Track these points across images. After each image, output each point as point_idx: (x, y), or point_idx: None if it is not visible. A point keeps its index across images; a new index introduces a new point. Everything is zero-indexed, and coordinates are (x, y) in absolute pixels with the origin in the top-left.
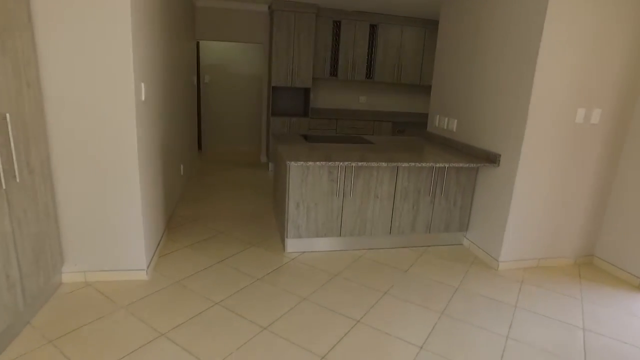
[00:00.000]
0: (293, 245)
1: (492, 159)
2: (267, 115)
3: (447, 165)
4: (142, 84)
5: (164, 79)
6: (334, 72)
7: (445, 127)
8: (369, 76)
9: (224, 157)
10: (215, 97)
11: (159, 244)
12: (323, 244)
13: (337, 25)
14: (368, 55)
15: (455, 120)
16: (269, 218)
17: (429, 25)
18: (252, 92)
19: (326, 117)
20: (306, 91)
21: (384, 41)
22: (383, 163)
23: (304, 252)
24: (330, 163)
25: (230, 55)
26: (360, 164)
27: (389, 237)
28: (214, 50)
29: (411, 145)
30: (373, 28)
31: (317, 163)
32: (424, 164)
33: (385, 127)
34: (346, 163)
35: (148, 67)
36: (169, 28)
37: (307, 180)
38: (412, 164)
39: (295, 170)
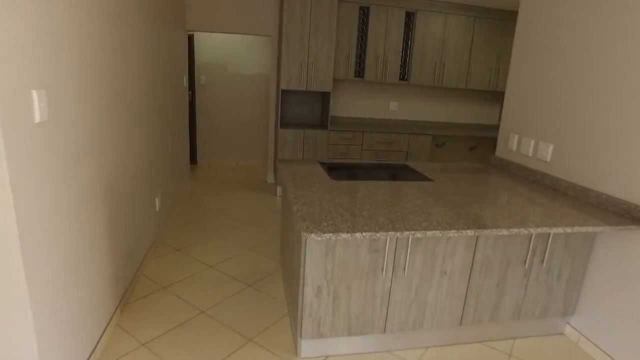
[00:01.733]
0: (311, 348)
1: (637, 216)
2: (276, 125)
3: (564, 231)
4: (35, 95)
5: (122, 84)
6: (359, 72)
7: (529, 154)
8: (404, 77)
9: (223, 175)
10: (213, 102)
11: (96, 345)
12: (357, 345)
13: (364, 12)
14: (403, 52)
15: (551, 146)
16: (276, 284)
17: (479, 13)
18: (257, 97)
19: (349, 128)
20: (324, 96)
21: (423, 33)
22: (466, 231)
23: (328, 357)
24: (376, 234)
25: (230, 50)
26: (428, 233)
27: (457, 330)
28: (211, 44)
29: (487, 185)
30: (409, 17)
31: (354, 235)
32: (530, 230)
33: (422, 142)
34: (405, 233)
35: (73, 63)
36: (138, 10)
37: (334, 252)
38: (512, 230)
39: (317, 241)
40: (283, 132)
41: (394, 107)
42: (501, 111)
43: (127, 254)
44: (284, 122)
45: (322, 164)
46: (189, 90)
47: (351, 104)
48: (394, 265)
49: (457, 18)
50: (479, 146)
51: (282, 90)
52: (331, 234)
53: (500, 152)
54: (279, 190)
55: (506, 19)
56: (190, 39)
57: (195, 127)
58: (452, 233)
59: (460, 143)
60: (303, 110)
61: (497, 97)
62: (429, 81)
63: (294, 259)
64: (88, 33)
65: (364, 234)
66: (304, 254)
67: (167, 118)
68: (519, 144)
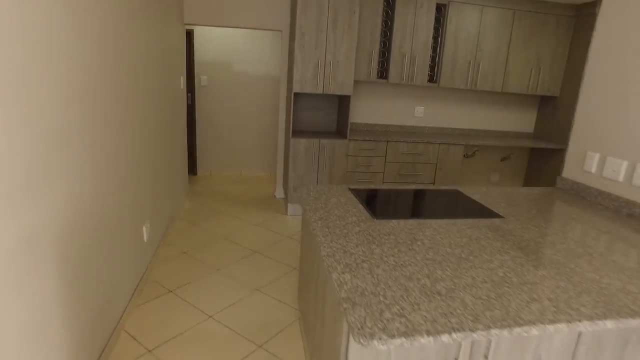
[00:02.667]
0: None
1: None
2: (286, 132)
3: None
4: None
5: (96, 86)
6: (382, 73)
7: (618, 179)
8: (433, 79)
9: (225, 189)
10: (215, 105)
11: None
12: None
13: (389, 4)
14: (432, 50)
15: None
16: (293, 342)
17: (520, 6)
18: (265, 100)
19: (371, 137)
20: (343, 101)
21: (455, 29)
22: (604, 321)
23: None
24: (472, 334)
25: (235, 48)
26: (550, 327)
27: None
28: (213, 41)
29: (575, 224)
30: (440, 10)
31: (438, 337)
32: None
33: (453, 153)
34: (516, 331)
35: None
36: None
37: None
38: None
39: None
40: (295, 142)
41: (419, 113)
42: (537, 117)
43: (99, 309)
44: (296, 130)
45: (355, 192)
46: (187, 92)
47: (372, 109)
48: (471, 351)
49: (494, 11)
50: (511, 156)
51: (295, 94)
52: (403, 339)
53: (570, 173)
54: (290, 208)
55: (549, 12)
56: (189, 34)
57: (195, 133)
58: (585, 326)
59: (492, 153)
60: (318, 116)
61: (532, 101)
62: (461, 83)
63: (318, 318)
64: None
65: (454, 334)
66: (348, 349)
67: (160, 126)
68: (602, 165)
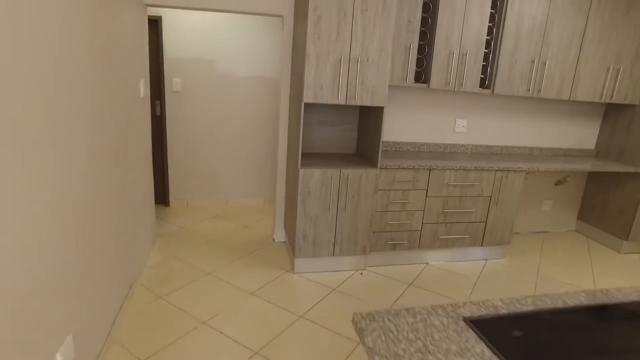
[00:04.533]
0: None
1: None
2: (290, 155)
3: None
4: None
5: None
6: (422, 75)
7: None
8: (486, 84)
9: (207, 226)
10: (193, 116)
11: None
12: None
13: None
14: (487, 45)
15: None
16: None
17: None
18: (260, 110)
19: (408, 162)
20: (368, 112)
21: (517, 16)
22: None
23: None
24: None
25: (218, 41)
26: None
27: None
28: (189, 31)
29: None
30: None
31: None
32: None
33: (512, 181)
34: None
35: None
36: None
37: None
38: None
39: None
40: (306, 174)
41: (461, 128)
42: (601, 131)
43: None
44: (305, 153)
45: (475, 324)
46: (155, 100)
47: (403, 124)
48: None
49: None
50: (568, 179)
51: (306, 104)
52: None
53: None
54: (298, 264)
55: None
56: (155, 22)
57: (166, 152)
58: None
59: (543, 175)
60: (331, 133)
61: (596, 110)
62: (522, 89)
63: None
64: None
65: None
66: None
67: (103, 155)
68: None
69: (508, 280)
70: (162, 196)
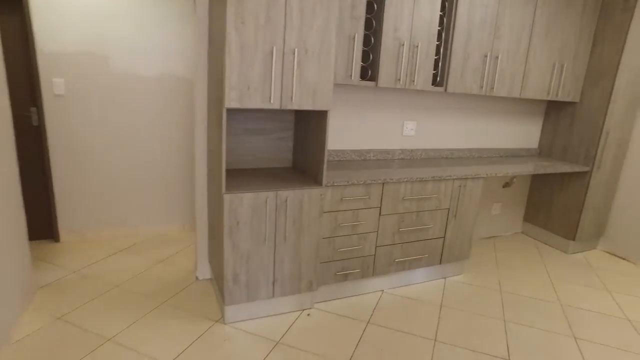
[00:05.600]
0: None
1: None
2: (214, 172)
3: None
4: None
5: None
6: (368, 71)
7: None
8: (438, 81)
9: (111, 265)
10: (84, 125)
11: None
12: None
13: None
14: (440, 38)
15: None
16: None
17: None
18: (171, 115)
19: (358, 180)
20: (306, 117)
21: (470, 5)
22: None
23: None
24: None
25: (114, 30)
26: None
27: None
28: (73, 16)
29: None
30: None
31: None
32: None
33: (470, 190)
34: None
35: None
36: None
37: None
38: None
39: None
40: (233, 201)
41: (409, 131)
42: (543, 129)
43: None
44: (234, 172)
45: None
46: (31, 106)
47: (347, 129)
48: None
49: None
50: (514, 181)
51: (228, 110)
52: None
53: None
54: (230, 312)
55: None
56: (24, 6)
57: (49, 173)
58: None
59: (495, 179)
60: (262, 142)
61: (538, 108)
62: (475, 87)
63: None
64: None
65: None
66: None
67: None
68: None
69: (473, 302)
70: (47, 229)
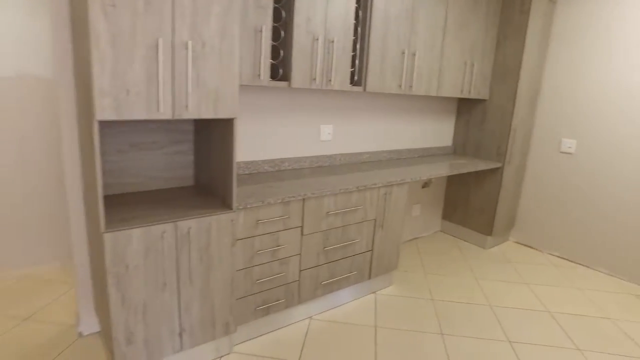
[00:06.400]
0: None
1: None
2: (91, 200)
3: None
4: None
5: None
6: (280, 70)
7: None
8: (356, 80)
9: None
10: None
11: None
12: None
13: None
14: (356, 33)
15: None
16: None
17: None
18: (39, 129)
19: (275, 198)
20: (215, 128)
21: (386, 2)
22: None
23: None
24: None
25: None
26: None
27: None
28: None
29: None
30: None
31: None
32: None
33: (396, 196)
34: None
35: None
36: None
37: None
38: None
39: None
40: (117, 242)
41: (326, 135)
42: (456, 127)
43: None
44: (118, 199)
45: None
46: None
47: (258, 137)
48: None
49: None
50: (432, 181)
51: (101, 123)
52: None
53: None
54: None
55: None
56: None
57: None
58: None
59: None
60: (160, 160)
61: (450, 106)
62: (394, 85)
63: None
64: None
65: None
66: None
67: None
68: None
69: (408, 317)
70: None
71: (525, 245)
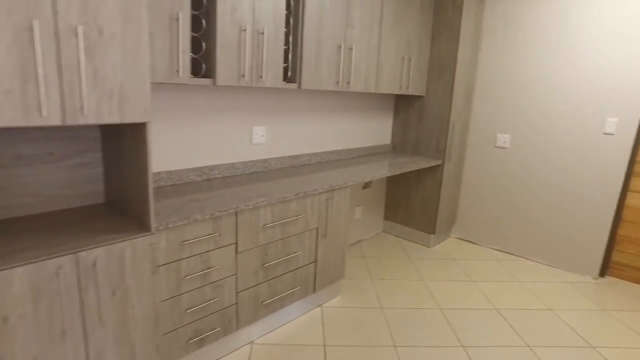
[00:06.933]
0: None
1: None
2: None
3: None
4: None
5: None
6: (203, 66)
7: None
8: (290, 76)
9: None
10: None
11: None
12: None
13: None
14: (288, 25)
15: None
16: None
17: None
18: None
19: (203, 214)
20: (125, 135)
21: None
22: None
23: None
24: None
25: None
26: None
27: None
28: None
29: None
30: None
31: None
32: None
33: (339, 201)
34: None
35: None
36: None
37: None
38: None
39: None
40: None
41: (259, 138)
42: (394, 124)
43: None
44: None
45: None
46: None
47: (180, 143)
48: None
49: None
50: (373, 181)
51: None
52: None
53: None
54: None
55: None
56: None
57: None
58: None
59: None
60: (58, 175)
61: (387, 103)
62: (331, 82)
63: None
64: None
65: None
66: None
67: None
68: None
69: (358, 331)
70: None
71: (467, 241)
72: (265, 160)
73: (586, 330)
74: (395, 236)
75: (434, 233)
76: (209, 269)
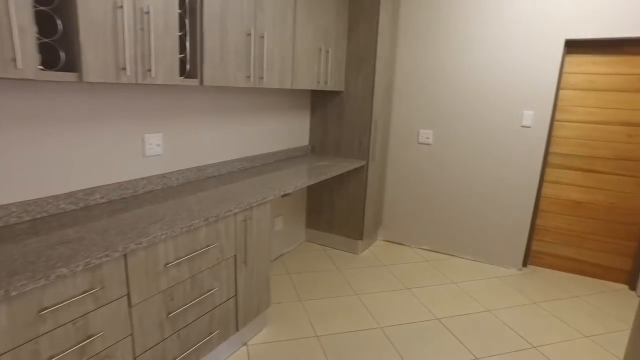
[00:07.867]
0: None
1: None
2: None
3: None
4: None
5: None
6: (61, 55)
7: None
8: (189, 71)
9: None
10: None
11: None
12: None
13: None
14: (184, 6)
15: None
16: None
17: None
18: None
19: (75, 259)
20: None
21: None
22: None
23: None
24: None
25: None
26: None
27: None
28: None
29: None
30: None
31: None
32: None
33: (259, 219)
34: None
35: None
36: None
37: None
38: None
39: None
40: None
41: (154, 149)
42: (312, 123)
43: None
44: None
45: None
46: None
47: (46, 159)
48: None
49: None
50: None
51: None
52: None
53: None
54: None
55: None
56: None
57: None
58: None
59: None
60: None
61: (304, 100)
62: (241, 77)
63: None
64: None
65: None
66: None
67: None
68: None
69: None
70: None
71: (395, 243)
72: (163, 176)
73: (524, 329)
74: (321, 245)
75: (361, 239)
76: (88, 339)
